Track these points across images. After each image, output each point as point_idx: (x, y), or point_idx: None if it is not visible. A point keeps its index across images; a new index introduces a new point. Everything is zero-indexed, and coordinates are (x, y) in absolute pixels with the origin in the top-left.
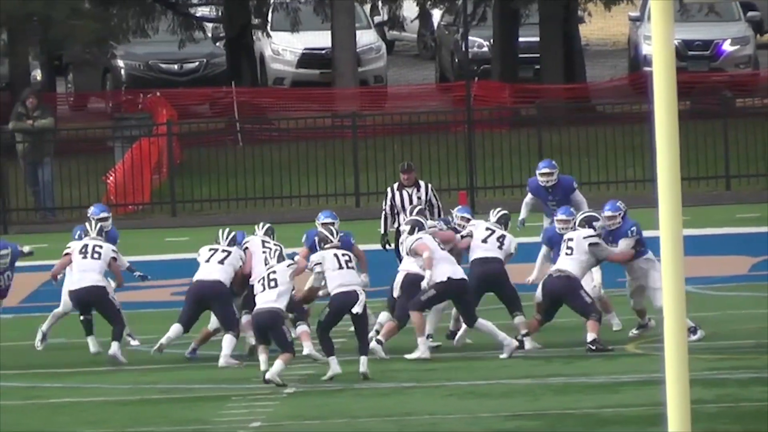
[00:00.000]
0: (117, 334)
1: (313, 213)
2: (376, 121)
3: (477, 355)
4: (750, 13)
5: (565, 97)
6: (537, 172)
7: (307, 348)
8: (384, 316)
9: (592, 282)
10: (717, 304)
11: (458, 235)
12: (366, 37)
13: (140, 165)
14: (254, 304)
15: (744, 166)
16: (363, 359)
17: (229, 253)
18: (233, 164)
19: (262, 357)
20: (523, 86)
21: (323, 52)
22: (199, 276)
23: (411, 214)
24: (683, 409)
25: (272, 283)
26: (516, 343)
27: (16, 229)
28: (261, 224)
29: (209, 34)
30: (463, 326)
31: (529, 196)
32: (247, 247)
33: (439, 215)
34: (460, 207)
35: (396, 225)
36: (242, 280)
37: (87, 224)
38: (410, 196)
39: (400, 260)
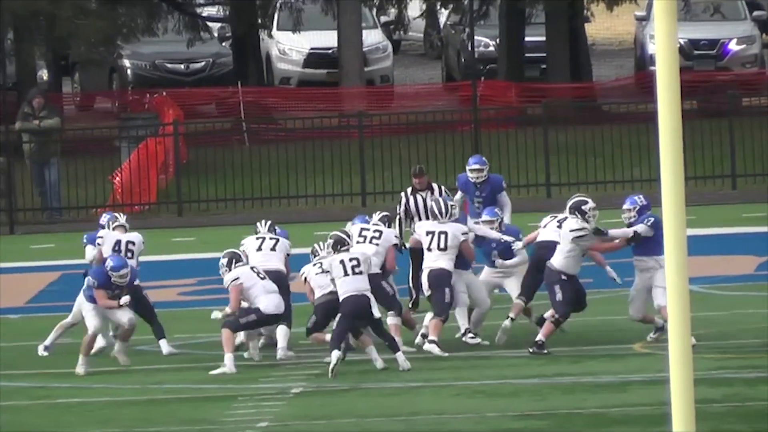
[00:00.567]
0: (160, 332)
1: (319, 213)
2: (383, 121)
3: (485, 354)
4: (756, 13)
5: (571, 97)
6: (467, 167)
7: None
8: (429, 316)
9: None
10: (723, 303)
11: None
12: (372, 37)
13: (147, 165)
14: None
15: (750, 165)
16: (399, 355)
17: (278, 239)
18: (240, 164)
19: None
20: (530, 85)
21: (330, 51)
22: (257, 266)
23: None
24: (688, 409)
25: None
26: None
27: (23, 230)
28: (263, 221)
29: (215, 34)
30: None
31: (459, 193)
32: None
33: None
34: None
35: (410, 228)
36: None
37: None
38: (424, 200)
39: (413, 263)
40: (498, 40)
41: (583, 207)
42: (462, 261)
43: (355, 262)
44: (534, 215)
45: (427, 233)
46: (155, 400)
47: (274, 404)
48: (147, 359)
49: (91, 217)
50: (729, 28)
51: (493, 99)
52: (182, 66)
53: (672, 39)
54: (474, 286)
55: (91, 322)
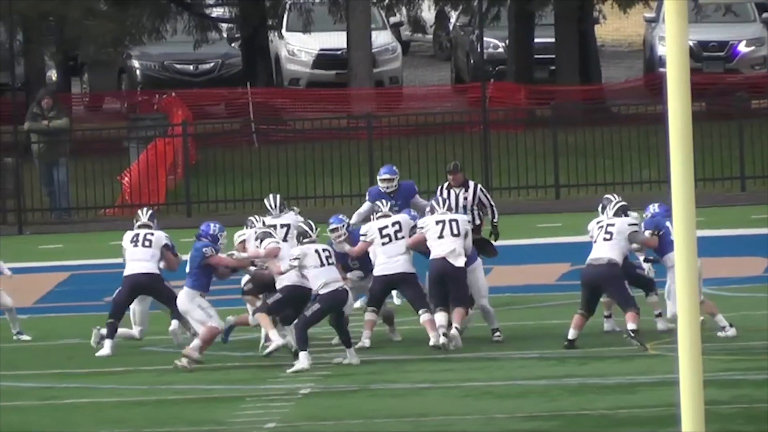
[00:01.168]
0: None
1: (327, 213)
2: (392, 122)
3: (493, 355)
4: (765, 15)
5: (580, 98)
6: (378, 177)
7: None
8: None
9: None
10: (732, 305)
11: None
12: (381, 38)
13: (155, 165)
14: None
15: (759, 167)
16: (350, 351)
17: (289, 226)
18: (248, 165)
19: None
20: (539, 87)
21: (339, 52)
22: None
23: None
24: (697, 410)
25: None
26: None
27: (31, 230)
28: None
29: (224, 35)
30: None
31: (367, 205)
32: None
33: (493, 215)
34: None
35: None
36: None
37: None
38: (457, 197)
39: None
40: (507, 42)
41: (627, 208)
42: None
43: (328, 253)
44: (543, 216)
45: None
46: (164, 400)
47: (283, 405)
48: (155, 360)
49: (100, 218)
50: (738, 29)
51: (502, 100)
52: (191, 67)
53: (683, 40)
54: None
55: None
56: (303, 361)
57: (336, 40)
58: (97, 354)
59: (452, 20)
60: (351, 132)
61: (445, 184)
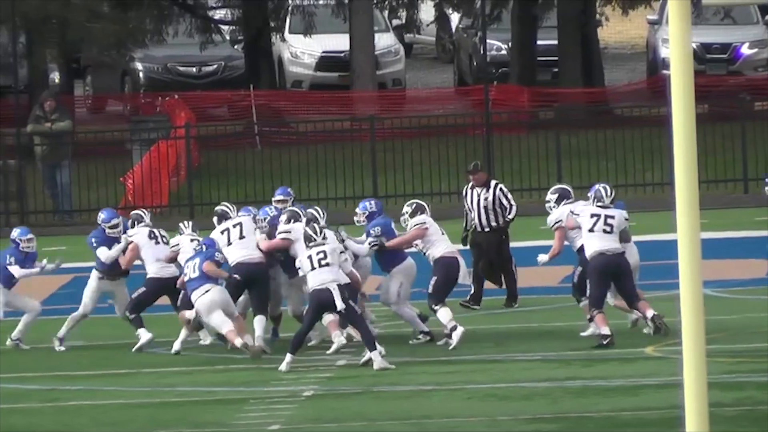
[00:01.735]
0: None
1: (330, 216)
2: (395, 124)
3: (496, 357)
4: None
5: (583, 101)
6: (273, 199)
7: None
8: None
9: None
10: (735, 307)
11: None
12: (384, 40)
13: (158, 168)
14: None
15: (762, 169)
16: (374, 353)
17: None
18: (251, 167)
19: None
20: (542, 89)
21: (342, 55)
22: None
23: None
24: (701, 412)
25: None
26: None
27: (34, 232)
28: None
29: (227, 37)
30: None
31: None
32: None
33: (509, 212)
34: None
35: (464, 224)
36: None
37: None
38: (478, 197)
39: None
40: (510, 44)
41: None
42: None
43: (321, 255)
44: (546, 219)
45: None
46: (166, 402)
47: (286, 407)
48: (158, 361)
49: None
50: (741, 32)
51: (505, 103)
52: (194, 69)
53: (686, 42)
54: None
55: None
56: (283, 364)
57: (339, 42)
58: (139, 343)
59: (455, 22)
60: (354, 134)
61: (469, 185)
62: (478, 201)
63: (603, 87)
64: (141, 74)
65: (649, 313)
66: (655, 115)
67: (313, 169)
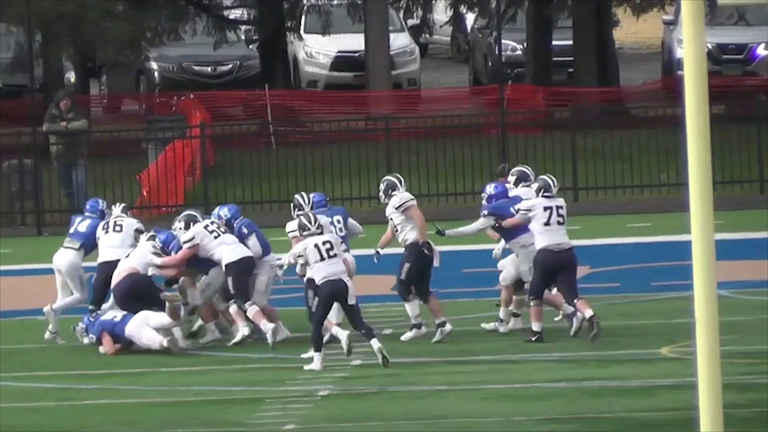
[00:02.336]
0: None
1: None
2: (410, 124)
3: (512, 358)
4: None
5: (598, 101)
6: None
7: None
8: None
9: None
10: (751, 308)
11: None
12: (399, 40)
13: (174, 167)
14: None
15: None
16: (373, 341)
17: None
18: (266, 167)
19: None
20: (557, 89)
21: (357, 54)
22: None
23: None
24: (716, 414)
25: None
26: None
27: (50, 231)
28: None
29: (242, 37)
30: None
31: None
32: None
33: None
34: None
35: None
36: None
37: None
38: None
39: None
40: (525, 44)
41: None
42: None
43: (328, 246)
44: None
45: None
46: (182, 402)
47: (301, 407)
48: (173, 361)
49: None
50: (757, 32)
51: (520, 102)
52: (209, 68)
53: (700, 42)
54: None
55: None
56: (316, 362)
57: (354, 42)
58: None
59: (470, 22)
60: (369, 134)
61: None
62: None
63: (618, 87)
64: (156, 74)
65: (588, 313)
66: (670, 115)
67: (328, 169)
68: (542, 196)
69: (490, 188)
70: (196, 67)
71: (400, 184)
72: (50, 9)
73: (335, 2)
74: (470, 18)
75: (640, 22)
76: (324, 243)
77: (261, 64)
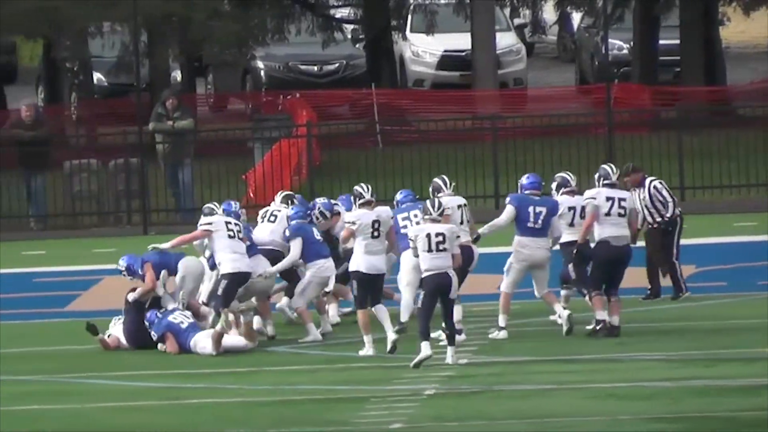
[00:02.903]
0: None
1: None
2: (516, 124)
3: (616, 357)
4: None
5: (705, 100)
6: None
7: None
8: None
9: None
10: None
11: None
12: (506, 40)
13: (280, 166)
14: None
15: None
16: (449, 350)
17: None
18: (373, 166)
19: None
20: (664, 89)
21: (463, 54)
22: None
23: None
24: None
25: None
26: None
27: (156, 230)
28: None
29: (349, 36)
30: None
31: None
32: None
33: (665, 210)
34: None
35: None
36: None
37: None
38: (638, 197)
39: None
40: (632, 43)
41: None
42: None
43: (440, 239)
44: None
45: None
46: (288, 401)
47: (407, 406)
48: (280, 360)
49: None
50: None
51: (627, 102)
52: (315, 68)
53: None
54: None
55: None
56: (425, 349)
57: (460, 41)
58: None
59: (576, 22)
60: (475, 133)
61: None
62: (640, 201)
63: (725, 86)
64: (262, 73)
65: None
66: None
67: (435, 168)
68: (603, 185)
69: (524, 179)
70: (302, 66)
71: (446, 186)
72: (156, 8)
73: (442, 1)
74: (577, 17)
75: (748, 22)
76: (437, 235)
77: (367, 63)
